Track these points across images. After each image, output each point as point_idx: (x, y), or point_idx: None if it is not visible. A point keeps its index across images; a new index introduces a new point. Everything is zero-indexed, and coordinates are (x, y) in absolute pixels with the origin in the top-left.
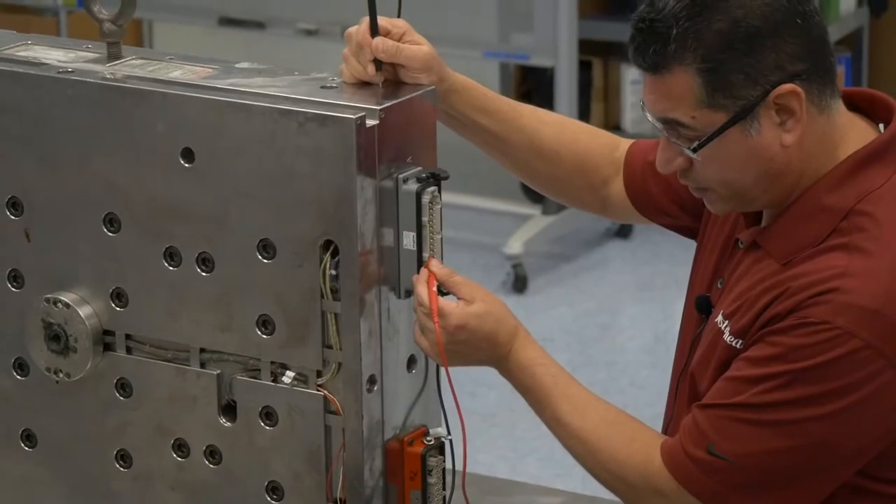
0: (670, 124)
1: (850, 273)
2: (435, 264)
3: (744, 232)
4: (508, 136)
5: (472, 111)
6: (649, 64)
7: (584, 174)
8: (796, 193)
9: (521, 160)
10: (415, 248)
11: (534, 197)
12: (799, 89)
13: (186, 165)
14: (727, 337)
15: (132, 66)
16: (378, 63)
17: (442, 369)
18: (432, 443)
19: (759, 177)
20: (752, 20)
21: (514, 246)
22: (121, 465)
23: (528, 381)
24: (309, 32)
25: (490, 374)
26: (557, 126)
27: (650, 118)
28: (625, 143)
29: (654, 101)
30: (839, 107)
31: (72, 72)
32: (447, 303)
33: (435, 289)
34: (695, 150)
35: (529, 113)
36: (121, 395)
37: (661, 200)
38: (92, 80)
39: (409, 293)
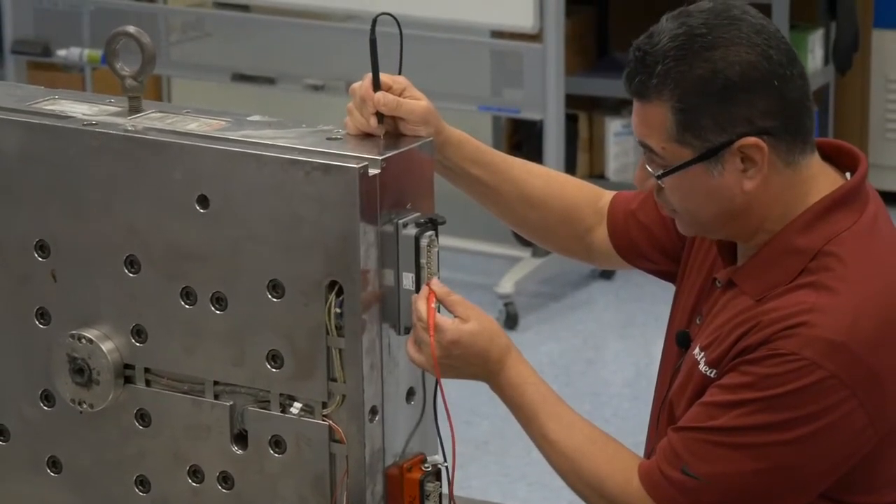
0: (646, 148)
1: (817, 309)
2: (435, 283)
3: (721, 272)
4: (500, 187)
5: (466, 163)
6: (633, 90)
7: (569, 223)
8: (764, 235)
9: (511, 209)
10: (414, 288)
11: (524, 241)
12: (763, 144)
13: (202, 211)
14: (702, 367)
15: (152, 119)
16: (380, 116)
17: (440, 397)
18: (430, 469)
19: (718, 213)
20: (729, 73)
21: (506, 286)
22: (140, 490)
23: (518, 399)
24: (316, 88)
25: (483, 404)
26: (545, 178)
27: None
28: (608, 195)
29: (636, 124)
30: (810, 160)
31: (95, 124)
32: (443, 319)
33: (434, 305)
34: (659, 177)
35: (519, 165)
36: (140, 424)
37: (644, 246)
38: (114, 132)
39: (409, 329)
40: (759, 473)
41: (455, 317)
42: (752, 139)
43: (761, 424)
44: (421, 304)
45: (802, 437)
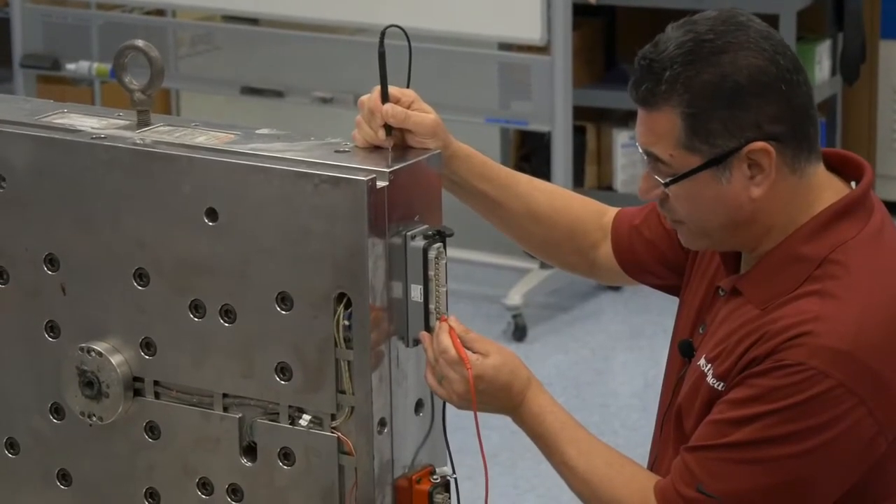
0: (651, 157)
1: (822, 317)
2: (453, 320)
3: (724, 280)
4: (506, 202)
5: (473, 177)
6: (641, 98)
7: (574, 238)
8: (769, 243)
9: (516, 224)
10: (422, 300)
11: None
12: (771, 149)
13: (210, 224)
14: (710, 379)
15: (160, 133)
16: (388, 128)
17: (449, 412)
18: (438, 481)
19: (726, 221)
20: (738, 77)
21: (514, 297)
22: (149, 503)
23: (538, 428)
24: (324, 100)
25: (493, 416)
26: (550, 193)
27: (639, 148)
28: (612, 211)
29: (641, 133)
30: (816, 168)
31: (104, 138)
32: (467, 354)
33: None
34: (667, 185)
35: (525, 181)
36: (149, 437)
37: (647, 261)
38: (123, 146)
39: (417, 342)
40: (773, 488)
41: (475, 353)
42: (760, 144)
43: (773, 437)
44: (445, 338)
45: (814, 448)
